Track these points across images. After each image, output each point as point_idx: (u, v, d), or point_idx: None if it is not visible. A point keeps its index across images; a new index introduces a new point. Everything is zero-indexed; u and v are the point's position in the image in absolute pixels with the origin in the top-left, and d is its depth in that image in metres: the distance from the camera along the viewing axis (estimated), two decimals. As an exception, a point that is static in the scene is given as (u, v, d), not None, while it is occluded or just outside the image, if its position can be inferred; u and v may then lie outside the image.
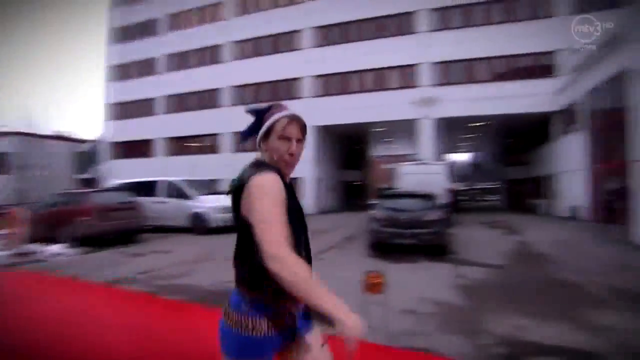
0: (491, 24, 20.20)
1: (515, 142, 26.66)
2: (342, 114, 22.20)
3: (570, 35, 16.11)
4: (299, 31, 23.83)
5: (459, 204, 23.11)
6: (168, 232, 12.42)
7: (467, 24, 20.61)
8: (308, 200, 22.14)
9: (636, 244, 8.73)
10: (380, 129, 25.15)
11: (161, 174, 16.81)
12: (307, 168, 22.11)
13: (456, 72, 20.72)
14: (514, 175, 26.45)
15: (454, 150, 35.05)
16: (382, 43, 21.77)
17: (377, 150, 33.92)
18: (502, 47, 19.68)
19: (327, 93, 23.05)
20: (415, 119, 20.74)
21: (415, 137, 21.69)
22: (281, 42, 24.35)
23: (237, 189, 1.27)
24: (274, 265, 1.07)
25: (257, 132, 1.39)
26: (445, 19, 21.02)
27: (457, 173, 29.51)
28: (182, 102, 27.04)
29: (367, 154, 32.59)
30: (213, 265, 7.23)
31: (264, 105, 1.41)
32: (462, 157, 36.31)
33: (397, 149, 32.60)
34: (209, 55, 26.44)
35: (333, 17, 22.98)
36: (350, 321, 1.05)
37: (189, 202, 12.52)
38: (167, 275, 6.46)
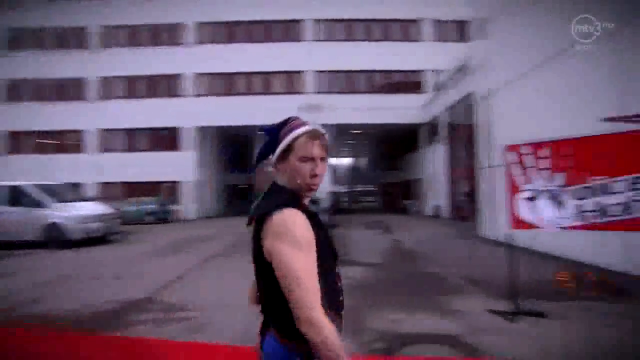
0: (371, 40, 22.08)
1: (390, 149, 29.57)
2: (228, 116, 21.51)
3: (435, 57, 18.64)
4: (182, 24, 22.29)
5: (341, 206, 24.54)
6: (12, 249, 10.08)
7: (350, 37, 22.13)
8: (190, 205, 20.79)
9: (482, 238, 10.36)
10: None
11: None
12: (188, 171, 20.78)
13: (339, 81, 22.05)
14: (388, 179, 29.33)
15: (336, 155, 37.37)
16: (269, 47, 21.86)
17: (264, 155, 33.86)
18: (380, 63, 21.70)
19: (211, 93, 22.05)
20: (301, 124, 21.34)
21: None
22: (162, 35, 22.42)
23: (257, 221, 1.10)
24: (307, 330, 0.97)
25: (273, 152, 1.19)
26: (330, 31, 22.19)
27: (339, 176, 31.36)
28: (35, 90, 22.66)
29: (253, 157, 32.12)
30: (77, 285, 6.11)
31: (278, 121, 1.20)
32: (343, 162, 38.86)
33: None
34: (73, 39, 22.81)
35: (221, 15, 22.16)
36: None
37: (42, 211, 10.45)
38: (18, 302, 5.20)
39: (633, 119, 4.52)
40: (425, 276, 6.34)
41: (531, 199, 4.00)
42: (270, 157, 1.21)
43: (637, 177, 3.57)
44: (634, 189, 3.58)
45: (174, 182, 21.37)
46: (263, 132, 1.21)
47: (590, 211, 3.76)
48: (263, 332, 1.20)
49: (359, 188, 35.94)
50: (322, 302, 1.01)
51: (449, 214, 16.85)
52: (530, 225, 4.11)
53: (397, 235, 12.02)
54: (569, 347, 3.29)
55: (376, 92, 21.86)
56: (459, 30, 20.80)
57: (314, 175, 1.15)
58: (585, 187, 3.78)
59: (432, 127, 19.72)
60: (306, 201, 1.19)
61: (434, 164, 18.75)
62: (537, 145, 4.01)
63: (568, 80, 7.29)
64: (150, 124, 21.67)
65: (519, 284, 4.32)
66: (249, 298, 1.36)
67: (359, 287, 5.69)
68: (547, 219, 3.95)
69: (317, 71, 21.88)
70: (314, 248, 1.06)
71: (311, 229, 1.07)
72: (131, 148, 21.90)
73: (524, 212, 4.05)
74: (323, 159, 1.17)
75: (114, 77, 22.23)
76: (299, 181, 1.14)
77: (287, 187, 1.16)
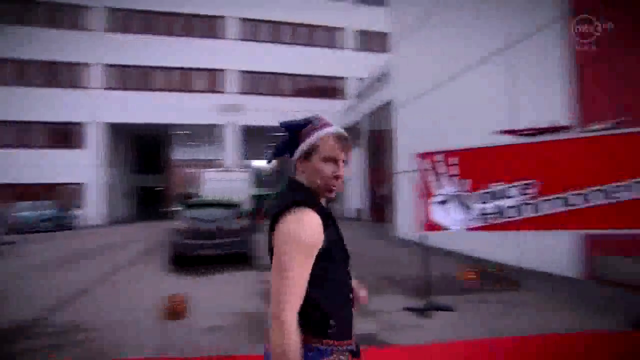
0: (297, 44, 22.26)
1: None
2: (140, 112, 19.91)
3: (358, 65, 19.40)
4: (90, 7, 20.04)
5: (265, 210, 24.21)
6: None
7: (275, 40, 22.06)
8: (95, 209, 18.81)
9: (399, 239, 11.00)
10: (184, 132, 23.86)
11: None
12: (93, 171, 18.78)
13: (263, 83, 21.83)
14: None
15: (260, 157, 36.96)
16: (190, 42, 20.80)
17: (179, 154, 32.09)
18: (305, 67, 21.98)
19: (122, 87, 20.23)
20: (220, 125, 20.62)
21: (220, 143, 21.56)
22: (66, 16, 19.90)
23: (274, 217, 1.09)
24: (275, 328, 0.99)
25: (291, 150, 1.19)
26: (255, 31, 21.88)
27: (262, 179, 30.98)
28: None
29: (167, 158, 30.31)
30: None
31: (299, 119, 1.20)
32: (266, 164, 38.71)
33: (201, 153, 31.67)
34: None
35: (136, 2, 20.45)
36: None
37: None
38: None
39: (524, 132, 5.15)
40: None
41: (442, 202, 4.33)
42: (287, 155, 1.21)
43: (527, 183, 4.05)
44: (524, 194, 4.06)
45: (77, 184, 19.11)
46: (283, 128, 1.20)
47: (491, 213, 4.18)
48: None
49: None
50: (334, 299, 1.09)
51: (368, 216, 17.64)
52: (441, 227, 4.44)
53: (320, 237, 12.20)
54: (474, 336, 3.60)
55: (300, 95, 22.07)
56: (380, 41, 21.96)
57: (337, 177, 1.15)
58: (486, 192, 4.20)
59: (353, 133, 20.50)
60: (323, 201, 1.19)
61: (355, 168, 19.49)
62: (448, 154, 4.35)
63: (471, 94, 8.10)
64: (48, 118, 19.05)
65: (432, 282, 4.63)
66: None
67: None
68: (455, 221, 4.31)
69: (241, 71, 21.39)
70: (315, 252, 1.06)
71: (321, 231, 1.07)
72: (24, 144, 19.04)
73: (436, 214, 4.37)
74: (345, 162, 1.18)
75: (11, 59, 19.14)
76: (319, 181, 1.14)
77: (305, 185, 1.16)
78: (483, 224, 4.21)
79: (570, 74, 5.82)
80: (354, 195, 19.88)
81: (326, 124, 1.19)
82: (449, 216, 4.30)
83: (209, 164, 23.60)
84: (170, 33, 20.79)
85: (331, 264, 1.10)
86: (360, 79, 20.73)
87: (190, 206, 8.19)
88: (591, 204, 3.68)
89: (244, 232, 7.80)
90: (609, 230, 3.84)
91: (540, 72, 6.41)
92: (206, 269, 7.26)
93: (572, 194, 3.77)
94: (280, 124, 1.21)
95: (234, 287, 6.04)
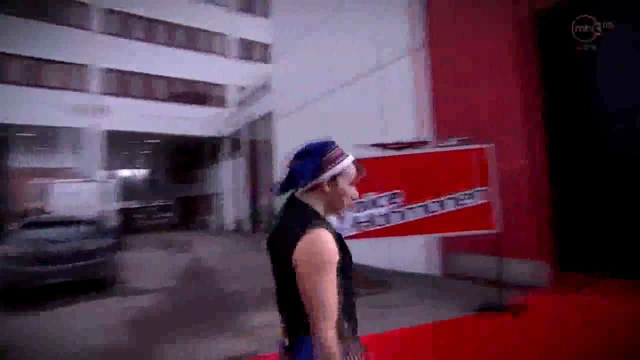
0: (174, 46, 20.70)
1: (190, 161, 28.18)
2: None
3: (240, 74, 18.97)
4: None
5: (133, 224, 21.76)
6: None
7: (149, 39, 20.12)
8: None
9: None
10: (29, 135, 19.77)
11: None
12: None
13: (133, 84, 19.65)
14: (188, 193, 27.77)
15: (128, 166, 33.07)
16: (42, 28, 17.22)
17: (22, 162, 26.49)
18: (182, 71, 20.54)
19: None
20: (78, 128, 17.64)
21: (77, 149, 18.59)
22: None
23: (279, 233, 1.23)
24: (320, 347, 1.09)
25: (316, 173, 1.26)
26: (125, 26, 19.59)
27: (131, 190, 27.76)
28: None
29: (4, 165, 24.71)
30: None
31: (317, 142, 1.34)
32: (136, 174, 34.69)
33: (52, 161, 26.72)
34: None
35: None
36: None
37: None
38: None
39: (391, 146, 5.65)
40: (225, 295, 6.13)
41: (320, 212, 4.39)
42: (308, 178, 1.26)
43: (394, 193, 4.41)
44: (392, 203, 4.40)
45: None
46: (309, 152, 1.30)
47: (364, 222, 4.41)
48: (291, 346, 1.23)
49: (157, 203, 32.76)
50: (342, 315, 1.16)
51: (250, 228, 17.25)
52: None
53: (196, 253, 11.41)
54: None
55: (176, 100, 20.52)
56: (262, 51, 21.94)
57: (355, 198, 1.33)
58: (360, 202, 4.42)
59: (234, 142, 19.96)
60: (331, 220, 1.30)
61: (235, 178, 18.94)
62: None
63: (347, 108, 8.62)
64: None
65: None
66: None
67: (146, 319, 4.97)
68: (332, 230, 4.41)
69: (107, 69, 18.81)
70: (336, 267, 1.14)
71: (337, 248, 1.15)
72: None
73: (315, 224, 4.40)
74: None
75: None
76: (344, 202, 1.30)
77: (311, 207, 1.25)
78: (357, 232, 4.41)
79: (429, 95, 6.65)
80: (234, 206, 19.27)
81: (344, 152, 1.34)
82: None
83: (62, 173, 20.04)
84: (17, 14, 16.82)
85: (344, 277, 1.19)
86: (242, 87, 20.38)
87: (28, 225, 6.71)
88: (445, 210, 4.19)
89: (103, 253, 6.70)
90: (459, 233, 4.42)
91: (406, 92, 7.15)
92: (55, 302, 5.94)
93: (431, 202, 4.23)
94: (307, 147, 1.32)
95: (92, 318, 5.11)
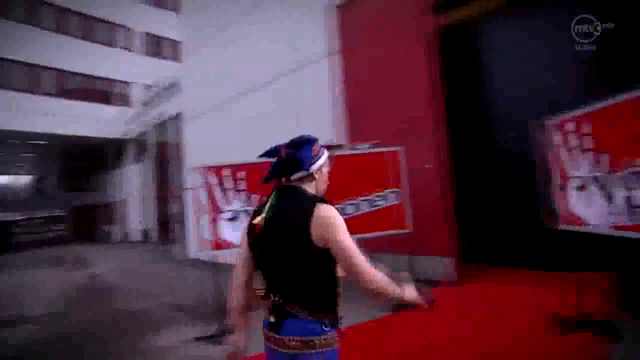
0: (65, 34, 18.22)
1: (86, 166, 25.13)
2: None
3: (146, 71, 17.39)
4: None
5: (12, 240, 18.70)
6: None
7: (37, 24, 17.43)
8: None
9: (190, 260, 10.25)
10: None
11: None
12: None
13: (15, 76, 16.87)
14: (84, 201, 24.71)
15: (7, 171, 28.32)
16: None
17: None
18: (76, 63, 18.19)
19: None
20: None
21: None
22: None
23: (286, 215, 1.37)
24: (373, 286, 1.30)
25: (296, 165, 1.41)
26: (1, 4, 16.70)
27: (10, 200, 23.83)
28: None
29: None
30: None
31: (306, 135, 1.46)
32: (17, 180, 29.73)
33: None
34: None
35: None
36: (414, 297, 1.44)
37: None
38: None
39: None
40: (128, 314, 5.44)
41: (232, 219, 4.11)
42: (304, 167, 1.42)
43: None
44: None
45: None
46: (309, 143, 1.45)
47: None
48: (279, 322, 1.35)
49: (43, 214, 28.49)
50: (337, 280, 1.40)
51: (157, 237, 15.90)
52: (232, 245, 4.19)
53: (95, 268, 10.10)
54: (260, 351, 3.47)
55: (68, 96, 18.11)
56: (171, 48, 20.46)
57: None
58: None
59: (140, 144, 18.30)
60: None
61: (141, 184, 17.36)
62: (236, 167, 4.18)
63: (261, 111, 8.38)
64: None
65: (224, 302, 4.31)
66: (237, 306, 1.51)
67: (29, 354, 4.16)
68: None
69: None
70: None
71: None
72: None
73: (226, 232, 4.10)
74: None
75: None
76: (326, 187, 1.55)
77: (307, 191, 1.44)
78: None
79: (342, 98, 6.74)
80: (140, 215, 17.65)
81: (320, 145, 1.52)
82: (238, 232, 4.11)
83: None
84: None
85: (334, 265, 1.38)
86: (149, 86, 18.76)
87: None
88: (360, 212, 4.22)
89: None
90: (375, 234, 4.49)
91: (321, 96, 7.15)
92: None
93: (348, 204, 4.23)
94: (310, 138, 1.45)
95: None
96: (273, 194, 1.45)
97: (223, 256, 4.73)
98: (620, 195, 2.97)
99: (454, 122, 5.91)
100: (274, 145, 1.48)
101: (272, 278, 1.41)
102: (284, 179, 1.46)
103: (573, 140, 3.39)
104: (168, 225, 14.86)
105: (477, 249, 5.84)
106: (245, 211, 4.12)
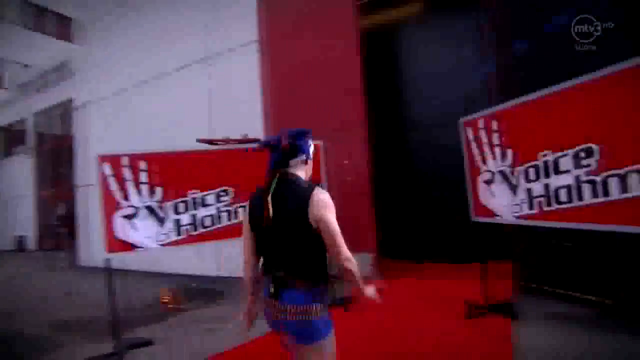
0: None
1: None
2: None
3: (24, 49, 14.85)
4: None
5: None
6: None
7: None
8: None
9: (82, 268, 8.93)
10: None
11: None
12: None
13: None
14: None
15: None
16: None
17: None
18: None
19: None
20: None
21: None
22: None
23: (284, 198, 1.56)
24: (348, 264, 1.52)
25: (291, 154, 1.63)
26: None
27: None
28: None
29: None
30: None
31: (300, 128, 1.68)
32: None
33: None
34: None
35: None
36: (370, 291, 1.60)
37: None
38: None
39: (219, 141, 5.18)
40: (5, 341, 4.36)
41: (131, 216, 3.51)
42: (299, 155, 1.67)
43: (223, 190, 3.93)
44: (220, 201, 3.91)
45: None
46: (305, 134, 1.68)
47: (187, 224, 3.76)
48: (277, 293, 1.55)
49: None
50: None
51: (38, 245, 13.55)
52: (131, 246, 3.59)
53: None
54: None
55: None
56: (59, 25, 17.61)
57: None
58: (182, 201, 3.75)
59: (12, 135, 15.42)
60: None
61: (16, 182, 14.67)
62: (135, 157, 3.59)
63: (172, 99, 7.61)
64: None
65: (128, 314, 3.71)
66: (249, 278, 1.74)
67: None
68: (147, 237, 3.58)
69: None
70: None
71: None
72: None
73: (123, 232, 3.48)
74: None
75: None
76: (311, 175, 1.73)
77: (302, 178, 1.65)
78: (180, 238, 3.73)
79: (261, 91, 6.40)
80: (14, 219, 14.91)
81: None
82: (139, 232, 3.53)
83: None
84: None
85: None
86: (26, 65, 15.85)
87: None
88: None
89: None
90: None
91: (241, 86, 6.70)
92: None
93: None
94: (299, 130, 1.68)
95: None
96: (274, 182, 1.58)
97: (129, 260, 4.12)
98: (522, 187, 3.21)
99: (375, 121, 6.02)
100: (275, 137, 1.64)
101: (275, 255, 1.59)
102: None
103: (483, 137, 3.60)
104: (54, 229, 12.76)
105: (397, 245, 6.04)
106: (148, 207, 3.56)
